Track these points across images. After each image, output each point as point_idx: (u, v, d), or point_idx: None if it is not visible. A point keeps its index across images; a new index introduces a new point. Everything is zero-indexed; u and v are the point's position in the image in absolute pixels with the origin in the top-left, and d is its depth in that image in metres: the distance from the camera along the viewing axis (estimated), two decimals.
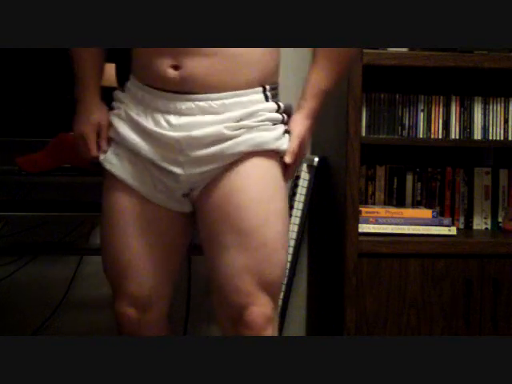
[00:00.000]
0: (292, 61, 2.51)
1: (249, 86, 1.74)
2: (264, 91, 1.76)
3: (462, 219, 2.71)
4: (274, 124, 1.77)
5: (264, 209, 1.74)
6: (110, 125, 1.82)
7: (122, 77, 1.88)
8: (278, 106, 1.79)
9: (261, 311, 1.75)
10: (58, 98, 2.47)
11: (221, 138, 1.72)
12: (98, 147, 1.83)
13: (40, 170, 2.32)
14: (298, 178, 2.64)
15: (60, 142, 2.32)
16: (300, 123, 1.80)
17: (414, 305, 2.39)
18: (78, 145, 1.85)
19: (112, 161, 1.81)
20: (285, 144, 1.79)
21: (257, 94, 1.75)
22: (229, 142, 1.72)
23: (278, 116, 1.78)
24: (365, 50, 2.33)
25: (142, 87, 1.77)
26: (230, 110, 1.73)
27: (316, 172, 2.60)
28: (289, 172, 1.81)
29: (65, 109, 2.45)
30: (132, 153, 1.78)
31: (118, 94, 1.84)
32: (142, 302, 1.84)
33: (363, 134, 2.50)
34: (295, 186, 2.65)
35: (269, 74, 1.78)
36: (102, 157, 1.82)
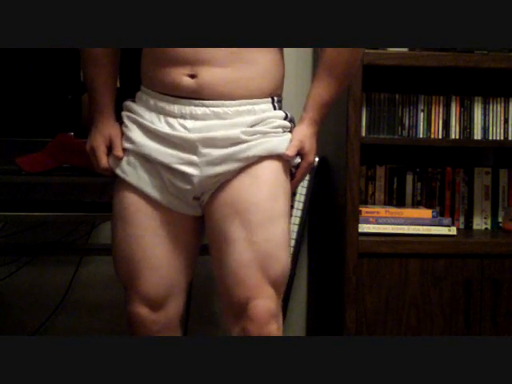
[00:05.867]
0: (293, 76, 2.53)
1: (260, 95, 1.81)
2: (272, 101, 1.84)
3: (462, 219, 2.71)
4: (284, 131, 1.85)
5: (272, 207, 1.80)
6: (122, 136, 1.85)
7: (126, 78, 1.88)
8: (286, 115, 1.86)
9: (265, 304, 1.77)
10: (57, 97, 2.47)
11: (237, 141, 1.78)
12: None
13: (40, 170, 2.31)
14: None
15: (60, 143, 2.32)
16: (299, 130, 1.86)
17: (413, 305, 2.39)
18: (90, 158, 1.89)
19: (125, 169, 1.84)
20: None
21: (266, 104, 1.83)
22: (244, 145, 1.78)
23: (287, 123, 1.86)
24: (365, 50, 2.33)
25: (154, 95, 1.81)
26: (242, 116, 1.79)
27: (316, 172, 2.60)
28: (298, 178, 1.88)
29: (65, 109, 2.45)
30: (144, 159, 1.82)
31: (128, 104, 1.87)
32: (155, 302, 1.86)
33: (363, 134, 2.50)
34: None
35: (276, 86, 1.85)
36: (117, 170, 1.85)
